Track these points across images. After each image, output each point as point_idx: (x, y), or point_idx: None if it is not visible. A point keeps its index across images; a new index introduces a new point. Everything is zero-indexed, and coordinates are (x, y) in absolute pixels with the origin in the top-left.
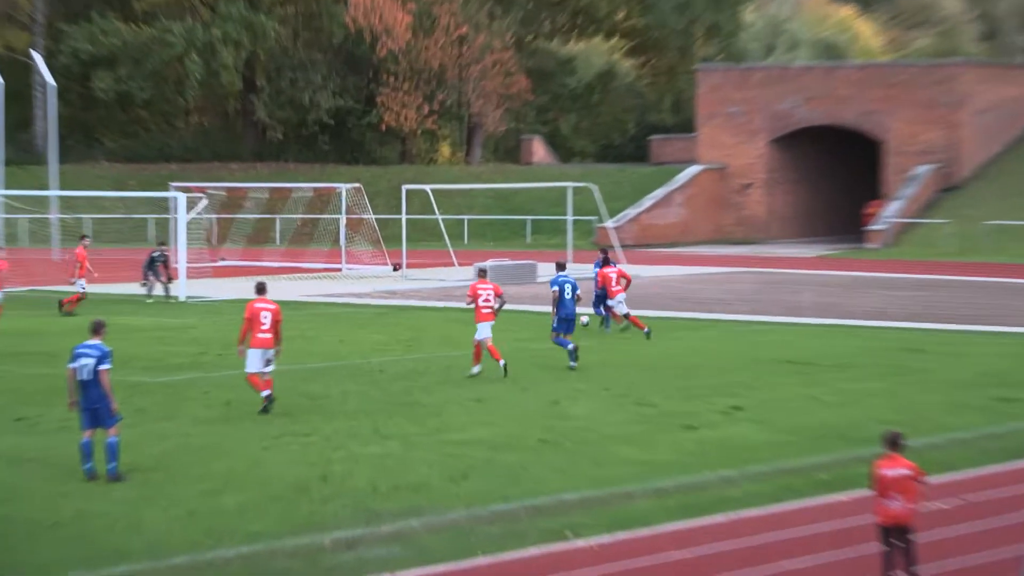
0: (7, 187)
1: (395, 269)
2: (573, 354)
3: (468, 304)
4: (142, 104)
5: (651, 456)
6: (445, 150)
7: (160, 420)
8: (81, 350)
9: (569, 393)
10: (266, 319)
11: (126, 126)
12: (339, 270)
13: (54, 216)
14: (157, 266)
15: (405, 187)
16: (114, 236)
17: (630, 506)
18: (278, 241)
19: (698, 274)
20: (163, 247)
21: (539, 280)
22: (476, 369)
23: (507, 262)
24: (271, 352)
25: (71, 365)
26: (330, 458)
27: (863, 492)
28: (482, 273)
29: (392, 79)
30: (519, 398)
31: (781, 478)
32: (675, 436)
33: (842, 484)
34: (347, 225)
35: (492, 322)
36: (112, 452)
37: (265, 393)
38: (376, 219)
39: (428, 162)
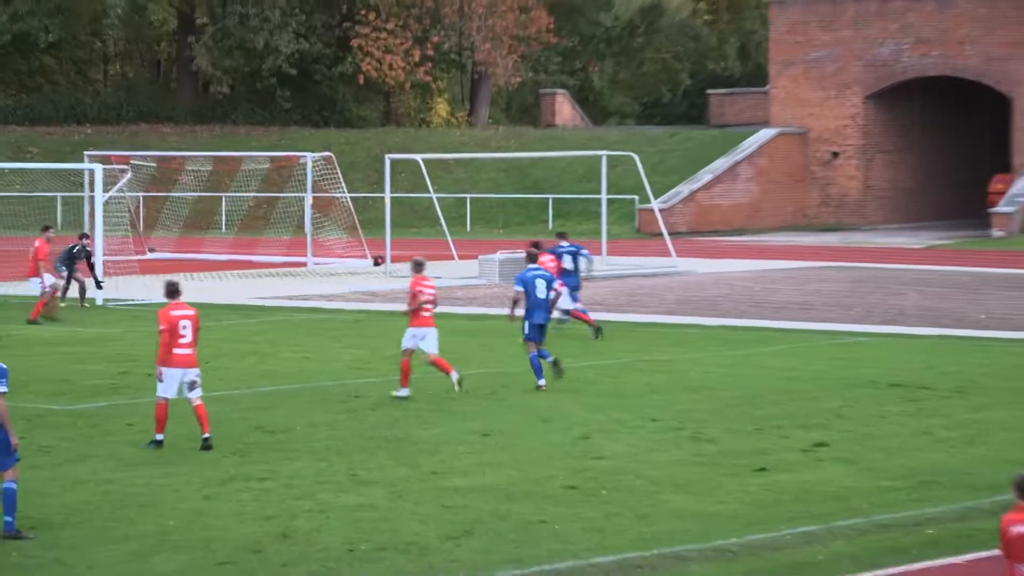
0: None
1: (376, 264)
2: (555, 368)
3: (410, 307)
4: (46, 48)
5: (710, 507)
6: (442, 109)
7: (71, 461)
8: None
9: (604, 425)
10: (186, 329)
11: (25, 77)
12: (304, 264)
13: None
14: (77, 263)
15: (389, 157)
16: (9, 220)
17: (684, 572)
18: (224, 227)
19: (772, 270)
20: (85, 239)
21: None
22: (404, 392)
23: (521, 254)
24: (195, 372)
25: None
26: (292, 510)
27: (987, 553)
28: (419, 267)
29: (373, 16)
30: (539, 431)
31: (878, 535)
32: (741, 481)
33: (958, 544)
34: (314, 206)
35: (434, 328)
36: (9, 502)
37: (159, 438)
38: (352, 198)
39: (420, 124)
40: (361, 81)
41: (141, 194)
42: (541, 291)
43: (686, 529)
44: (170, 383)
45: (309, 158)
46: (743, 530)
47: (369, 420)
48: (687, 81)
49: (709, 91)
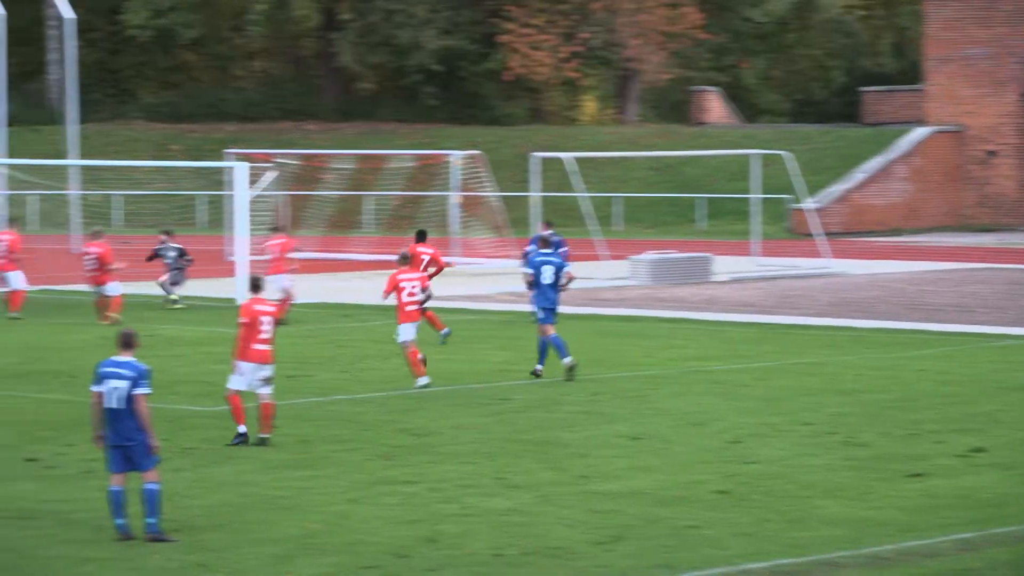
0: (12, 153)
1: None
2: (569, 371)
3: (385, 299)
4: (189, 45)
5: (864, 513)
6: (590, 106)
7: (215, 463)
8: (109, 369)
9: (755, 429)
10: (266, 325)
11: (168, 74)
12: (451, 264)
13: (74, 192)
14: (182, 260)
15: (536, 155)
16: (152, 219)
17: None
18: (369, 226)
19: (926, 272)
20: (166, 235)
21: (715, 278)
22: (423, 381)
23: (672, 255)
24: (269, 368)
25: (96, 388)
26: (439, 514)
27: None
28: (404, 260)
29: (520, 12)
30: (689, 435)
31: None
32: (896, 487)
33: None
34: (460, 205)
35: (418, 322)
36: (152, 504)
37: (242, 430)
38: (499, 197)
39: (568, 122)
40: (508, 78)
41: (285, 193)
42: (547, 277)
43: (839, 535)
44: (244, 376)
45: (455, 156)
46: (897, 536)
47: (517, 423)
48: (840, 78)
49: (863, 88)
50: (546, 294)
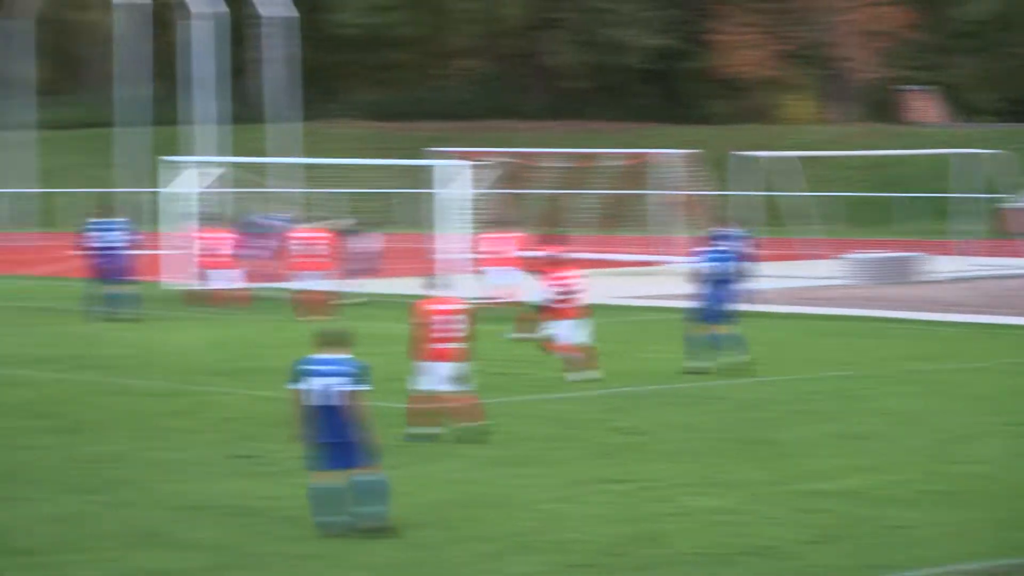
0: (224, 151)
1: None
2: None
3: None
4: (401, 43)
5: None
6: (799, 105)
7: (429, 460)
8: (319, 367)
9: (967, 428)
10: (446, 324)
11: (377, 72)
12: (661, 264)
13: (295, 191)
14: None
15: (746, 154)
16: (363, 217)
17: None
18: (579, 225)
19: None
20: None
21: (926, 277)
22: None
23: (884, 254)
24: (453, 367)
25: (296, 386)
26: (650, 513)
27: None
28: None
29: (729, 11)
30: (900, 434)
31: None
32: None
33: None
34: (670, 204)
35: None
36: (366, 494)
37: (436, 430)
38: (708, 196)
39: (776, 121)
40: (717, 77)
41: (495, 191)
42: (719, 275)
43: None
44: (436, 375)
45: (665, 155)
46: None
47: (728, 422)
48: None
49: None
50: (717, 292)
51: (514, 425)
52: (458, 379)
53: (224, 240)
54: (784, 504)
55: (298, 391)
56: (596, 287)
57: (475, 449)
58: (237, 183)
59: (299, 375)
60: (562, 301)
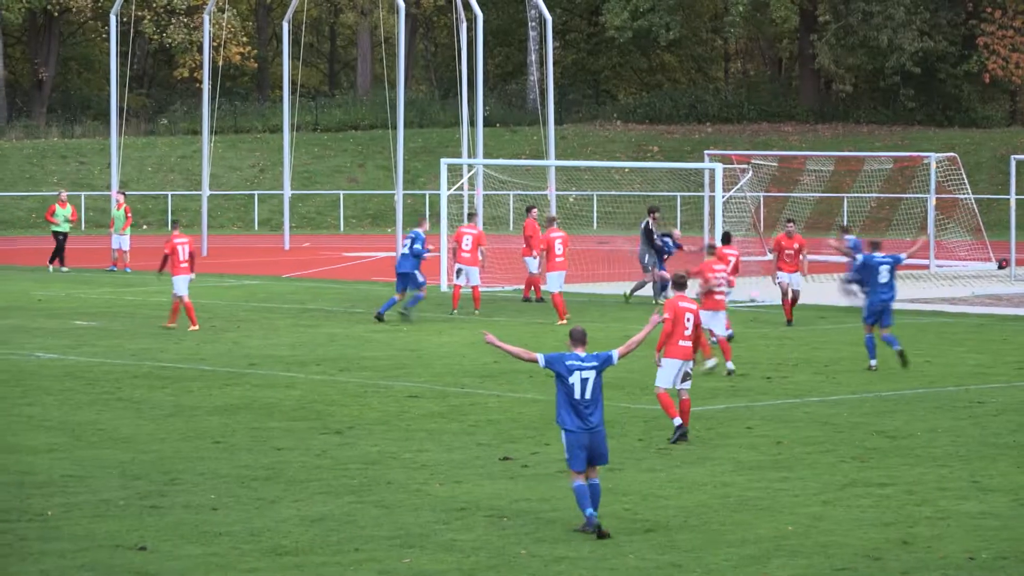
0: (490, 153)
1: (1001, 267)
2: (900, 355)
3: (701, 290)
4: (667, 46)
5: None
6: None
7: (689, 463)
8: (573, 363)
9: None
10: (689, 323)
11: (646, 76)
12: (926, 267)
13: (552, 193)
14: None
15: (1015, 157)
16: (627, 219)
17: None
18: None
19: None
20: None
21: None
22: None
23: None
24: (689, 364)
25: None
26: (913, 516)
27: None
28: (711, 251)
29: (999, 14)
30: None
31: None
32: None
33: None
34: (937, 207)
35: (722, 311)
36: (596, 495)
37: (678, 422)
38: (976, 200)
39: None
40: (987, 80)
41: (762, 194)
42: (883, 276)
43: None
44: (668, 373)
45: (933, 158)
46: None
47: (992, 426)
48: None
49: None
50: (879, 294)
51: (778, 429)
52: (689, 376)
53: (469, 238)
54: None
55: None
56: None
57: (739, 452)
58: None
59: (562, 370)
60: (716, 293)
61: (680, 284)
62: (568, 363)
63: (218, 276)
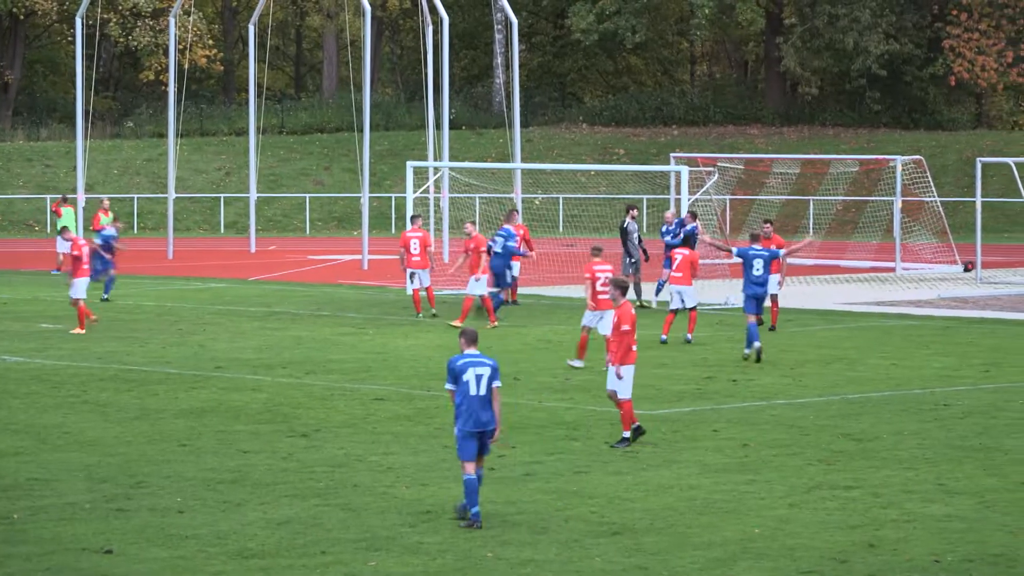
0: (455, 156)
1: (966, 269)
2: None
3: (586, 291)
4: (634, 49)
5: None
6: None
7: (655, 466)
8: (468, 360)
9: None
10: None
11: (612, 78)
12: (892, 270)
13: (518, 196)
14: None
15: (981, 160)
16: (594, 221)
17: None
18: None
19: None
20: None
21: None
22: (578, 363)
23: None
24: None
25: (451, 387)
26: (879, 519)
27: None
28: (596, 252)
29: (964, 16)
30: None
31: None
32: None
33: None
34: (903, 210)
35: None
36: (477, 492)
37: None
38: (941, 203)
39: (1012, 127)
40: (952, 83)
41: (728, 197)
42: (757, 268)
43: None
44: (631, 381)
45: (899, 161)
46: None
47: (958, 429)
48: None
49: None
50: (752, 286)
51: (744, 431)
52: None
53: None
54: (1016, 512)
55: (452, 392)
56: (827, 293)
57: (704, 455)
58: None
59: (455, 372)
60: (601, 293)
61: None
62: (461, 362)
63: (184, 279)
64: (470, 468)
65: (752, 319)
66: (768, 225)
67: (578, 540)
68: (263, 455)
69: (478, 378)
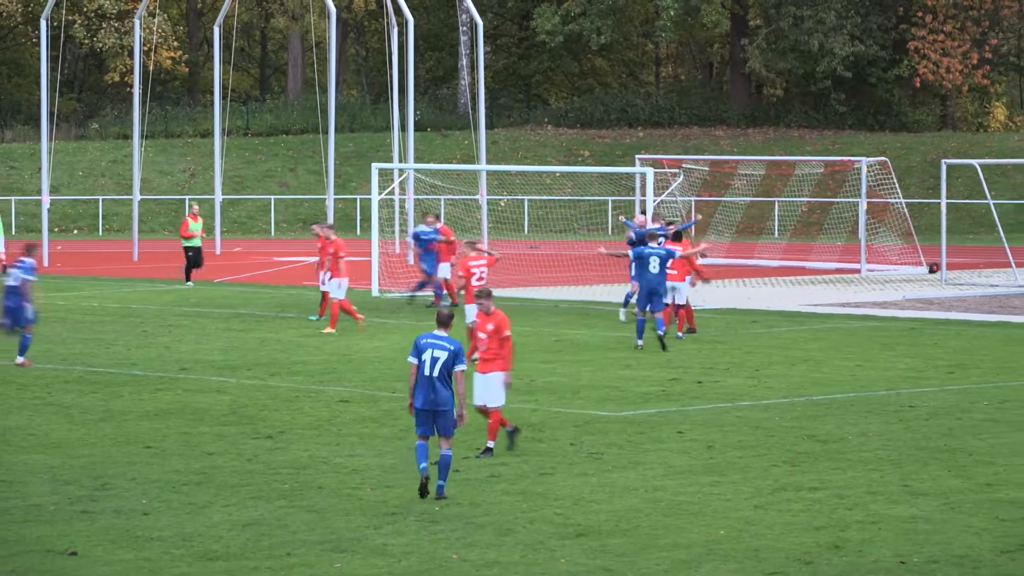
0: (421, 157)
1: (932, 271)
2: (659, 339)
3: (460, 287)
4: (599, 51)
5: None
6: (999, 113)
7: (621, 468)
8: (430, 340)
9: None
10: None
11: (578, 80)
12: (858, 271)
13: (483, 197)
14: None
15: (946, 162)
16: (559, 223)
17: None
18: (776, 232)
19: None
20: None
21: None
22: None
23: None
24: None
25: (413, 359)
26: (844, 520)
27: None
28: (470, 245)
29: (929, 18)
30: None
31: None
32: None
33: None
34: (868, 212)
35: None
36: (444, 469)
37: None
38: (907, 204)
39: (977, 129)
40: (917, 84)
41: (693, 198)
42: (653, 266)
43: None
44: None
45: (864, 162)
46: None
47: (923, 430)
48: None
49: None
50: (647, 282)
51: (710, 433)
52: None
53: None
54: (981, 513)
55: (416, 365)
56: (792, 294)
57: (670, 457)
58: (427, 190)
59: (417, 349)
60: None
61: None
62: (424, 341)
63: (149, 281)
64: (421, 439)
65: (642, 315)
66: (670, 226)
67: (543, 542)
68: (228, 457)
69: (433, 360)
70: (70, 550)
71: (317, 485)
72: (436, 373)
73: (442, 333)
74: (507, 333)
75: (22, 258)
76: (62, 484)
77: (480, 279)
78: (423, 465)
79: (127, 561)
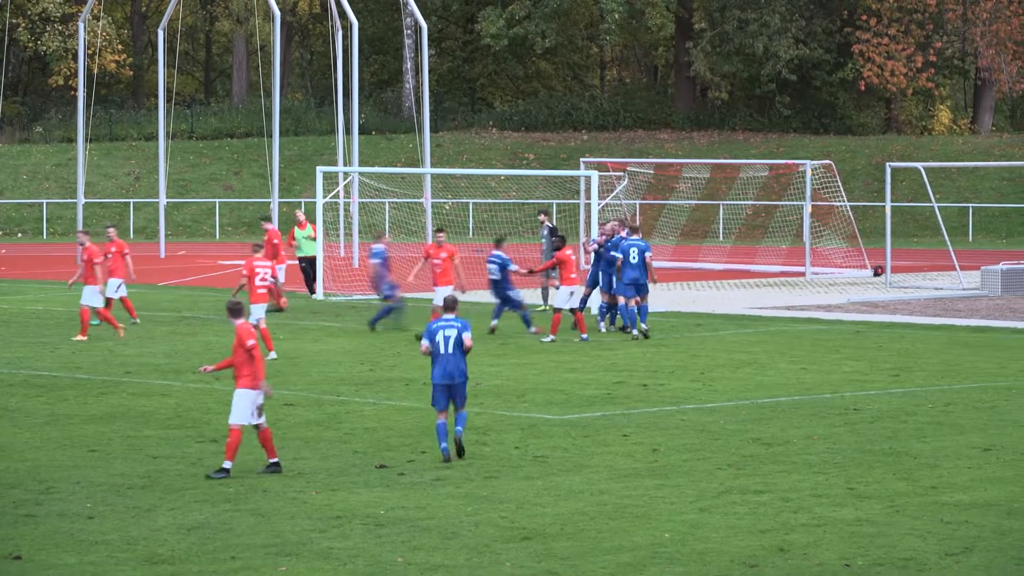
0: (365, 161)
1: (876, 274)
2: (637, 327)
3: (241, 284)
4: (544, 54)
5: None
6: (944, 116)
7: (566, 472)
8: (440, 324)
9: None
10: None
11: (522, 83)
12: (802, 274)
13: (427, 201)
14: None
15: (890, 165)
16: (505, 227)
17: None
18: (720, 235)
19: None
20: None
21: None
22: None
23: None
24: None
25: (426, 341)
26: (789, 523)
27: None
28: (258, 248)
29: (874, 21)
30: None
31: None
32: None
33: None
34: (813, 215)
35: (266, 304)
36: (463, 421)
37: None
38: (852, 207)
39: (921, 132)
40: (862, 87)
41: (638, 201)
42: (634, 257)
43: None
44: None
45: (808, 166)
46: None
47: (867, 433)
48: None
49: None
50: (632, 270)
51: (655, 436)
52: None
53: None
54: (925, 515)
55: (427, 345)
56: (737, 297)
57: (614, 460)
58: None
59: (429, 333)
60: (260, 287)
61: (236, 312)
62: (435, 326)
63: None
64: (442, 416)
65: (632, 303)
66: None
67: (488, 545)
68: (173, 460)
69: (446, 339)
70: (14, 554)
71: (262, 488)
72: (451, 350)
73: (450, 316)
74: (252, 342)
75: None
76: (6, 488)
77: (263, 279)
78: (444, 445)
79: (72, 565)
